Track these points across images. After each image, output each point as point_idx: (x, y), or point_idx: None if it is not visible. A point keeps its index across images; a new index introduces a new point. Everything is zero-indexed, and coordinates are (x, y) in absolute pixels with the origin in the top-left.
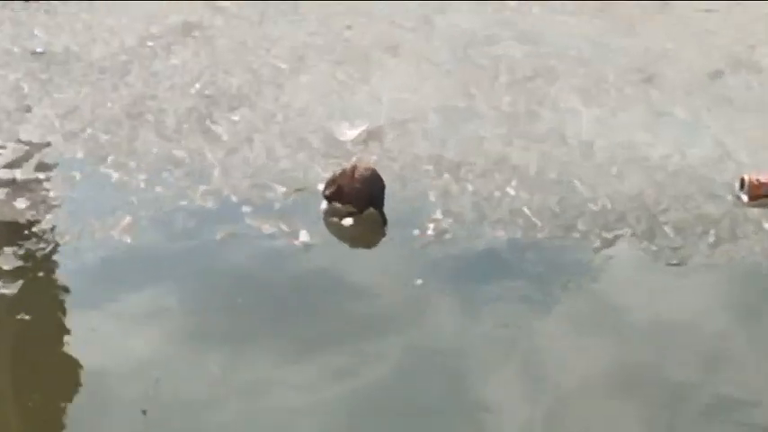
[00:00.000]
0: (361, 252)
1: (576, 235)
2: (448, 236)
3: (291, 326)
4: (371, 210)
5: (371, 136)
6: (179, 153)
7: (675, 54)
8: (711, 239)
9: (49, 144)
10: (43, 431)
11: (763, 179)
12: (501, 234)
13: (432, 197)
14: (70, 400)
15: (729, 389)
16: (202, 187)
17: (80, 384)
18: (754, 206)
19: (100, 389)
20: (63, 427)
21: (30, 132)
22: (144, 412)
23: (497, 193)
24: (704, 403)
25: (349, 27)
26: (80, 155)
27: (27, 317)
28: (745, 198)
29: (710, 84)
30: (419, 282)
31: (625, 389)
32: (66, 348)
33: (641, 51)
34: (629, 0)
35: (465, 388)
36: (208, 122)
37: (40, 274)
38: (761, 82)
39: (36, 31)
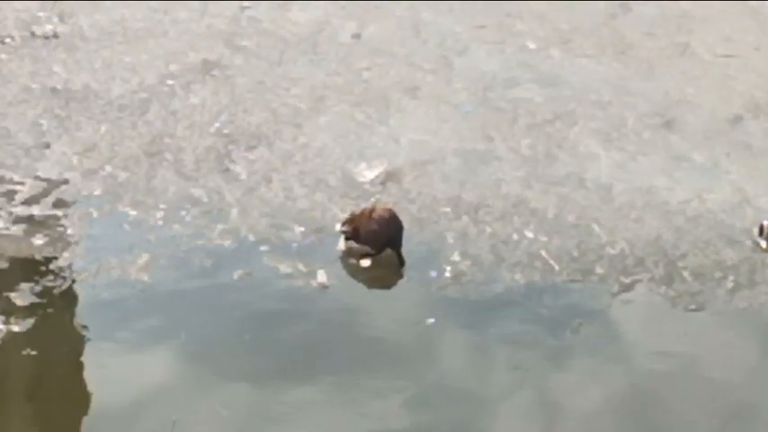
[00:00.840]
0: (378, 293)
1: (594, 279)
2: (465, 278)
3: (307, 365)
4: (389, 251)
5: (390, 177)
6: (197, 192)
7: (695, 99)
8: (730, 285)
9: (66, 181)
10: None
11: None
12: (518, 277)
13: (450, 239)
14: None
15: None
16: (220, 226)
17: (93, 423)
18: None
19: (113, 428)
20: None
21: (48, 169)
22: None
23: (515, 236)
24: None
25: (368, 68)
26: (98, 192)
27: (41, 354)
28: (764, 244)
29: (730, 129)
30: (431, 321)
31: None
32: (79, 386)
33: (661, 95)
34: (650, 43)
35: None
36: (226, 161)
37: (56, 311)
38: None
39: (55, 68)
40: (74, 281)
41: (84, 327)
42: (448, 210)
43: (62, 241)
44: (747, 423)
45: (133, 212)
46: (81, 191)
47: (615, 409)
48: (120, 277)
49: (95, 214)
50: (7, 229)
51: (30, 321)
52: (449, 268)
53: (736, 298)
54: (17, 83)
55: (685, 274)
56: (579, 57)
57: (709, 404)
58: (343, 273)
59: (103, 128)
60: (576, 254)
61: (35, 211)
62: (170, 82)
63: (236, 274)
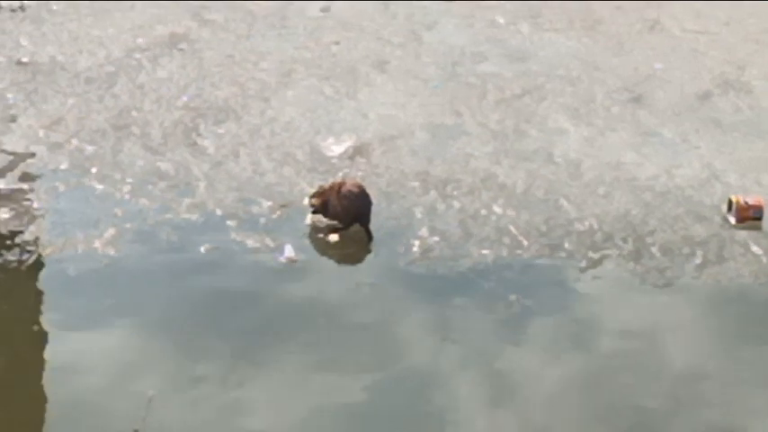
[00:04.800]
0: (346, 269)
1: (563, 255)
2: (433, 253)
3: (272, 341)
4: (357, 226)
5: (358, 152)
6: (164, 166)
7: (664, 74)
8: (698, 261)
9: (33, 155)
10: None
11: (750, 201)
12: (486, 252)
13: (418, 214)
14: (46, 416)
15: (709, 416)
16: (187, 201)
17: (58, 399)
18: (741, 228)
19: (76, 403)
20: None
21: (14, 142)
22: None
23: (484, 212)
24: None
25: (337, 42)
26: (64, 166)
27: (4, 329)
28: (732, 220)
29: (699, 105)
30: (394, 296)
31: (596, 414)
32: (44, 361)
33: (630, 71)
34: (619, 18)
35: (433, 407)
36: (194, 135)
37: (21, 285)
38: (750, 104)
39: (22, 41)
40: (39, 255)
41: (50, 301)
42: (416, 185)
43: (28, 215)
44: (707, 398)
45: (100, 186)
46: (47, 164)
47: (574, 386)
48: (87, 251)
49: (62, 188)
50: None
51: None
52: (417, 243)
53: (705, 274)
54: None
55: (654, 249)
56: (548, 32)
57: (667, 380)
58: (311, 248)
59: (70, 101)
60: (544, 229)
61: (0, 184)
62: (137, 55)
63: (203, 249)
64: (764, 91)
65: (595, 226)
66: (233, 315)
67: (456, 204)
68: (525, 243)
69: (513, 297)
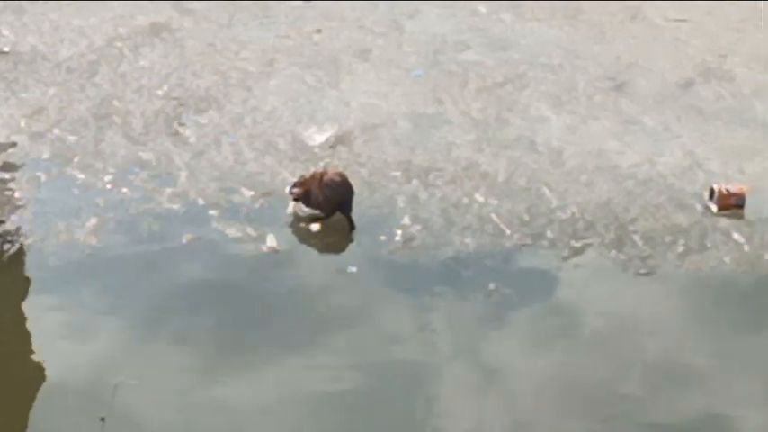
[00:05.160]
0: (328, 257)
1: (545, 243)
2: (415, 242)
3: (255, 330)
4: (339, 215)
5: (340, 141)
6: (146, 155)
7: (646, 63)
8: (680, 249)
9: (14, 144)
10: None
11: (732, 189)
12: (469, 241)
13: (400, 203)
14: (25, 403)
15: (691, 403)
16: (169, 190)
17: (37, 388)
18: (723, 216)
19: (56, 393)
20: (16, 428)
21: None
22: (102, 419)
23: (466, 200)
24: (657, 420)
25: (319, 31)
26: (46, 156)
27: None
28: (714, 208)
29: (681, 93)
30: (376, 285)
31: (575, 401)
32: (24, 350)
33: (612, 59)
34: (601, 7)
35: (416, 396)
36: (175, 125)
37: (3, 275)
38: (731, 92)
39: (3, 31)
40: (21, 245)
41: (31, 291)
42: (398, 174)
43: (9, 205)
44: (687, 384)
45: (81, 176)
46: (29, 154)
47: (556, 373)
48: (68, 241)
49: (43, 178)
50: None
51: None
52: (399, 232)
53: (687, 262)
54: None
55: (636, 238)
56: (530, 20)
57: (649, 367)
58: (293, 237)
59: (51, 91)
60: (526, 218)
61: None
62: (119, 45)
63: (184, 239)
64: (746, 79)
65: (577, 214)
66: (215, 304)
67: (438, 193)
68: (507, 231)
69: (493, 286)
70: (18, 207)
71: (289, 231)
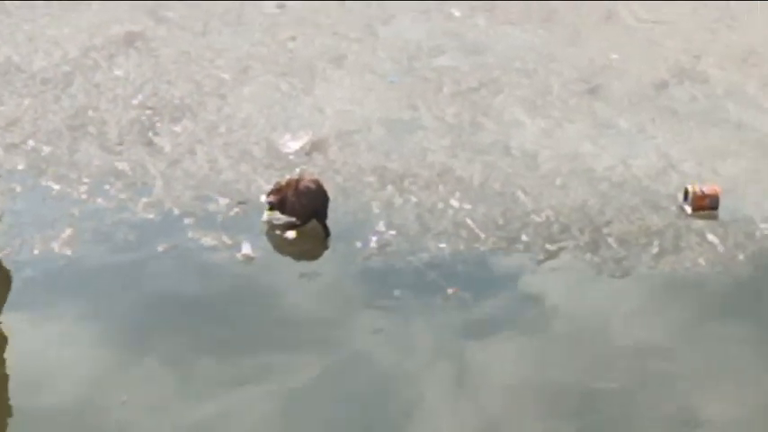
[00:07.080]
0: (303, 265)
1: (520, 247)
2: (391, 248)
3: (231, 339)
4: (315, 222)
5: (315, 147)
6: (121, 165)
7: (620, 65)
8: (655, 251)
9: None
10: None
11: (706, 190)
12: (444, 246)
13: (375, 209)
14: (2, 414)
15: (664, 402)
16: (144, 199)
17: (12, 397)
18: (697, 217)
19: (31, 404)
20: None
21: None
22: None
23: (441, 205)
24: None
25: (293, 38)
26: (21, 167)
27: None
28: (688, 209)
29: (655, 95)
30: (352, 291)
31: (552, 405)
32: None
33: (586, 62)
34: (575, 9)
35: (393, 401)
36: (150, 134)
37: None
38: (705, 93)
39: None
40: None
41: (6, 302)
42: (373, 179)
43: None
44: (661, 386)
45: (56, 186)
46: (3, 165)
47: (530, 374)
48: (44, 252)
49: (18, 189)
50: None
51: None
52: (374, 238)
53: (661, 263)
54: None
55: (610, 240)
56: (504, 24)
57: (623, 367)
58: (269, 244)
59: (26, 102)
60: (501, 222)
61: None
62: (93, 55)
63: (160, 248)
64: (720, 80)
65: (552, 217)
66: (190, 313)
67: (413, 198)
68: (482, 236)
69: (469, 290)
70: None
71: (264, 239)
